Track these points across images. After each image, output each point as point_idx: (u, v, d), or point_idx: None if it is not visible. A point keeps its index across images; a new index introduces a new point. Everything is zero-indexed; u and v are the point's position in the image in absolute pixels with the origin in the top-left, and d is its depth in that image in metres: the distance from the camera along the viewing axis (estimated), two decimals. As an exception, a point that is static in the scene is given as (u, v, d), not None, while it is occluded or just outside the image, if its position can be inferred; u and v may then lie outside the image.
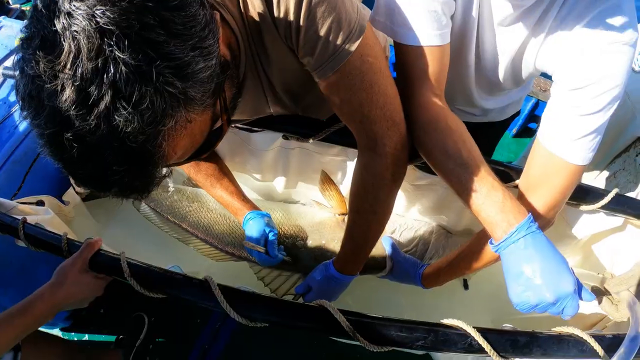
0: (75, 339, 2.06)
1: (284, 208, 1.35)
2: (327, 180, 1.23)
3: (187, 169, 1.21)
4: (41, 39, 0.47)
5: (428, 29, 0.85)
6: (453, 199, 1.23)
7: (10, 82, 1.89)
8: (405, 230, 1.33)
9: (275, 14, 0.70)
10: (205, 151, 0.69)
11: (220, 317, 1.82)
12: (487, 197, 0.80)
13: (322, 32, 0.71)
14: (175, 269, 0.92)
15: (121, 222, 1.56)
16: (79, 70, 0.45)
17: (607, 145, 1.60)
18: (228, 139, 1.22)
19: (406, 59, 0.88)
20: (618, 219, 1.19)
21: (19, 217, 1.11)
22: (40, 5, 0.48)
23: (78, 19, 0.45)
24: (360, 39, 0.74)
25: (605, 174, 1.61)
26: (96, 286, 1.00)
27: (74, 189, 1.52)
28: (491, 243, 0.81)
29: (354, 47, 0.73)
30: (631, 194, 1.36)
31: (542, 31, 0.88)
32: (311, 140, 1.07)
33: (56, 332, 2.12)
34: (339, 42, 0.72)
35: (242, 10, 0.73)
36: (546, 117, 0.88)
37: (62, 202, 1.49)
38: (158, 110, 0.49)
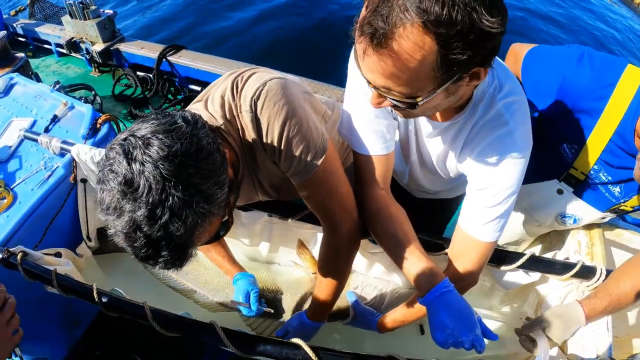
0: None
1: (268, 268, 1.62)
2: (302, 247, 1.52)
3: None
4: (124, 177, 0.76)
5: (375, 143, 1.16)
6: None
7: (28, 143, 2.13)
8: (366, 287, 1.60)
9: (264, 140, 1.03)
10: (218, 238, 1.00)
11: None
12: (414, 265, 1.09)
13: (296, 154, 1.03)
14: (185, 314, 1.19)
15: (124, 274, 1.78)
16: (150, 199, 0.75)
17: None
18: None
19: (360, 163, 1.20)
20: (537, 274, 1.45)
21: (50, 268, 1.35)
22: (120, 150, 0.78)
23: (149, 168, 0.76)
24: (323, 157, 1.06)
25: (543, 230, 1.79)
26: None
27: (86, 243, 1.76)
28: (419, 299, 1.09)
29: (318, 163, 1.06)
30: (558, 250, 1.64)
31: (459, 145, 1.15)
32: (290, 220, 1.38)
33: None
34: (308, 159, 1.05)
35: (241, 135, 1.05)
36: (463, 206, 1.16)
37: (76, 254, 1.72)
38: (194, 222, 0.80)
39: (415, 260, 1.09)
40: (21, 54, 4.65)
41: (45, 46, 5.50)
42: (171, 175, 0.76)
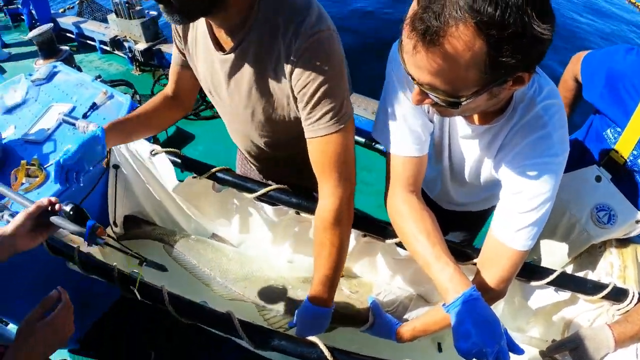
0: (81, 361, 2.23)
1: (288, 265, 1.60)
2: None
3: None
4: None
5: (409, 143, 1.15)
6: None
7: (65, 127, 2.19)
8: (388, 295, 1.56)
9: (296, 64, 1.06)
10: None
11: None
12: (442, 270, 1.05)
13: (328, 107, 1.08)
14: (203, 303, 1.17)
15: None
16: None
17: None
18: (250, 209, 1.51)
19: (392, 163, 1.19)
20: (567, 293, 1.39)
21: (74, 245, 1.36)
22: None
23: None
24: (347, 123, 1.11)
25: (577, 246, 1.73)
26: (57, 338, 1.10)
27: (112, 229, 1.78)
28: (444, 305, 1.04)
29: (341, 127, 1.11)
30: (590, 271, 1.57)
31: (495, 148, 1.13)
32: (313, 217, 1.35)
33: (65, 353, 2.29)
34: (337, 118, 1.09)
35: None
36: (496, 212, 1.13)
37: (102, 237, 1.73)
38: None
39: (443, 266, 1.06)
40: (66, 47, 4.80)
41: (90, 42, 5.65)
42: None
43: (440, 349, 1.68)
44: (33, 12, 6.33)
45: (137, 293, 1.21)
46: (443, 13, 0.73)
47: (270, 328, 1.11)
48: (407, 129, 1.14)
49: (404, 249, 1.31)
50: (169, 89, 1.44)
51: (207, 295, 1.54)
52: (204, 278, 1.58)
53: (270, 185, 1.38)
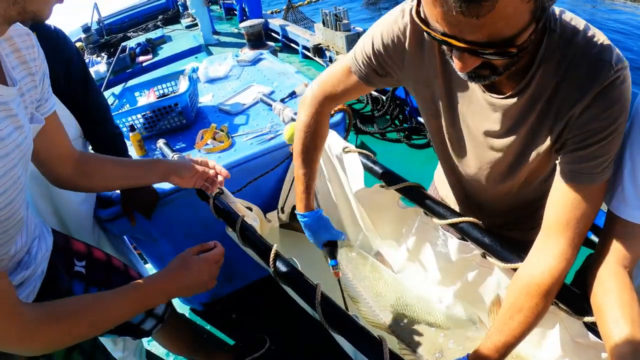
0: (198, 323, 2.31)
1: (445, 310, 1.40)
2: (498, 304, 1.27)
3: None
4: None
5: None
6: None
7: (261, 106, 2.27)
8: None
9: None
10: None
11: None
12: None
13: (603, 158, 0.92)
14: (354, 317, 1.04)
15: (300, 257, 1.68)
16: None
17: None
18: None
19: (614, 228, 0.98)
20: None
21: (240, 214, 1.34)
22: None
23: None
24: (605, 180, 0.95)
25: None
26: (204, 277, 1.10)
27: (278, 214, 1.76)
28: None
29: (602, 181, 0.94)
30: None
31: None
32: (505, 266, 1.16)
33: (185, 308, 2.40)
34: (605, 172, 0.93)
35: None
36: None
37: (265, 218, 1.70)
38: None
39: None
40: (272, 43, 5.20)
41: (293, 45, 6.07)
42: None
43: None
44: (246, 9, 7.06)
45: (288, 282, 1.13)
46: None
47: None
48: None
49: (594, 332, 1.06)
50: (331, 91, 1.24)
51: (356, 311, 1.42)
52: (354, 295, 1.45)
53: (465, 216, 1.20)
